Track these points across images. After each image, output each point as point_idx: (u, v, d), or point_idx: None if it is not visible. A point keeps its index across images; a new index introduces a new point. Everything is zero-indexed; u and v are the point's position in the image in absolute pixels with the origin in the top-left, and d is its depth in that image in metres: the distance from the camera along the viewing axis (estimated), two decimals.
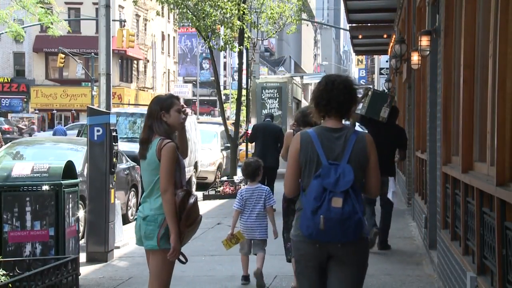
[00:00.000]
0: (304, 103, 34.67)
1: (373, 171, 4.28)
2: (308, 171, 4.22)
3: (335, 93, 4.25)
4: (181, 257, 5.07)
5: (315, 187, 4.10)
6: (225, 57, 70.14)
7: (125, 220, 12.83)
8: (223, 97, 28.02)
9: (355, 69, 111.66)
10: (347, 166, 4.12)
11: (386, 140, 9.30)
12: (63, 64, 44.03)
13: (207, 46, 20.75)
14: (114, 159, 9.46)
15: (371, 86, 10.92)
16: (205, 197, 17.65)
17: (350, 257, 4.22)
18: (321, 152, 4.18)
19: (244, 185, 17.75)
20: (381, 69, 41.70)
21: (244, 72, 22.10)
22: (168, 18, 61.08)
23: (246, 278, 7.75)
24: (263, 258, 7.65)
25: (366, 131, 4.82)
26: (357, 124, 10.58)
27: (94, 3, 47.23)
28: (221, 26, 20.32)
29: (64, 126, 38.96)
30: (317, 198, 4.06)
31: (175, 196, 4.90)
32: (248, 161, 7.80)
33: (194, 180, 19.78)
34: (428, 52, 9.10)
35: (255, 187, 7.66)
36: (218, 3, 19.47)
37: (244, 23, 20.36)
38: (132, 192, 14.05)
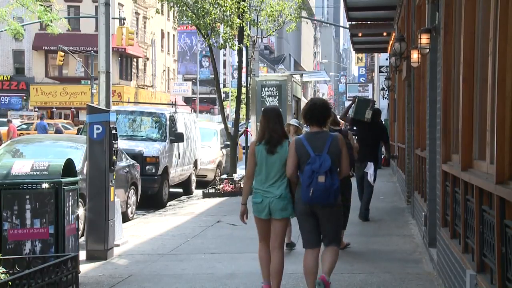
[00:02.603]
0: (304, 101, 34.64)
1: (344, 158, 6.62)
2: (302, 161, 6.54)
3: (316, 112, 6.65)
4: None
5: (307, 170, 6.42)
6: (224, 55, 70.05)
7: (125, 218, 12.82)
8: (223, 95, 28.00)
9: (354, 67, 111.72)
10: (326, 156, 6.44)
11: (371, 135, 12.32)
12: (62, 62, 44.01)
13: (206, 44, 20.72)
14: (114, 157, 9.46)
15: (358, 95, 14.04)
16: (205, 195, 17.67)
17: (327, 214, 6.53)
18: (309, 148, 6.52)
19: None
20: (380, 67, 41.68)
21: (244, 70, 22.10)
22: (168, 16, 61.04)
23: (290, 245, 9.44)
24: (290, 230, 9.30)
25: (338, 133, 7.05)
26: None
27: (94, 1, 47.28)
28: (221, 24, 20.30)
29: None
30: (309, 177, 6.37)
31: None
32: None
33: (194, 178, 19.78)
34: (427, 50, 9.09)
35: None
36: (218, 1, 19.46)
37: (243, 21, 20.35)
38: (132, 190, 14.03)
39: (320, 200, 6.37)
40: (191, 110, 45.17)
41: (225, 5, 19.41)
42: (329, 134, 6.64)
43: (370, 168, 12.18)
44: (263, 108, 7.26)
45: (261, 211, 6.73)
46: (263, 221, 6.80)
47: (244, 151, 24.12)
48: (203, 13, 19.42)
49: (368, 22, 19.88)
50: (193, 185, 19.75)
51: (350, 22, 19.78)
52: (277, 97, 23.15)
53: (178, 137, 17.43)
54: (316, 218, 6.53)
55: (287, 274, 8.07)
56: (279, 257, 6.76)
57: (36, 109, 50.41)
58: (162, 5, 26.12)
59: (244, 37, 20.83)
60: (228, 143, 21.26)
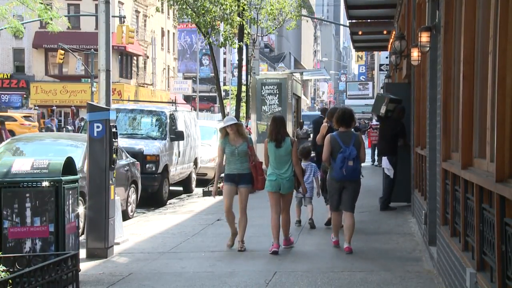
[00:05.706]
0: (304, 99, 34.59)
1: (362, 150, 9.39)
2: (334, 150, 9.29)
3: (345, 117, 9.45)
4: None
5: (340, 157, 9.19)
6: (224, 53, 70.02)
7: (125, 216, 12.81)
8: (223, 93, 27.98)
9: (354, 65, 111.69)
10: (353, 148, 9.24)
11: (388, 130, 13.22)
12: (62, 60, 43.98)
13: (206, 42, 20.71)
14: (114, 155, 9.45)
15: (381, 92, 14.95)
16: (205, 193, 17.64)
17: (352, 187, 9.33)
18: (340, 142, 9.27)
19: None
20: (381, 65, 41.73)
21: (244, 68, 22.09)
22: (168, 14, 60.98)
23: (299, 222, 11.49)
24: (312, 209, 11.41)
25: (359, 133, 9.86)
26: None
27: None
28: (221, 22, 20.31)
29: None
30: (342, 161, 9.18)
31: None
32: (302, 146, 11.51)
33: (194, 176, 19.77)
34: (428, 48, 9.09)
35: (307, 163, 11.38)
36: None
37: (244, 19, 20.36)
38: (132, 188, 14.01)
39: (350, 177, 9.22)
40: (191, 108, 45.17)
41: (225, 3, 19.42)
42: (353, 133, 9.48)
43: (385, 163, 13.16)
44: (272, 116, 10.00)
45: (273, 186, 9.45)
46: (275, 194, 9.48)
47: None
48: (203, 11, 19.43)
49: (368, 20, 19.84)
50: (193, 183, 19.74)
51: (350, 20, 19.75)
52: (277, 95, 23.09)
53: (178, 136, 17.43)
54: (341, 192, 9.32)
55: (287, 272, 8.10)
56: (287, 216, 9.60)
57: (36, 107, 50.37)
58: (162, 3, 26.13)
59: (244, 35, 20.85)
60: None
